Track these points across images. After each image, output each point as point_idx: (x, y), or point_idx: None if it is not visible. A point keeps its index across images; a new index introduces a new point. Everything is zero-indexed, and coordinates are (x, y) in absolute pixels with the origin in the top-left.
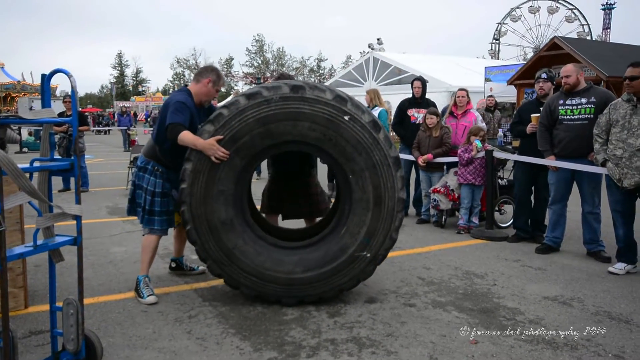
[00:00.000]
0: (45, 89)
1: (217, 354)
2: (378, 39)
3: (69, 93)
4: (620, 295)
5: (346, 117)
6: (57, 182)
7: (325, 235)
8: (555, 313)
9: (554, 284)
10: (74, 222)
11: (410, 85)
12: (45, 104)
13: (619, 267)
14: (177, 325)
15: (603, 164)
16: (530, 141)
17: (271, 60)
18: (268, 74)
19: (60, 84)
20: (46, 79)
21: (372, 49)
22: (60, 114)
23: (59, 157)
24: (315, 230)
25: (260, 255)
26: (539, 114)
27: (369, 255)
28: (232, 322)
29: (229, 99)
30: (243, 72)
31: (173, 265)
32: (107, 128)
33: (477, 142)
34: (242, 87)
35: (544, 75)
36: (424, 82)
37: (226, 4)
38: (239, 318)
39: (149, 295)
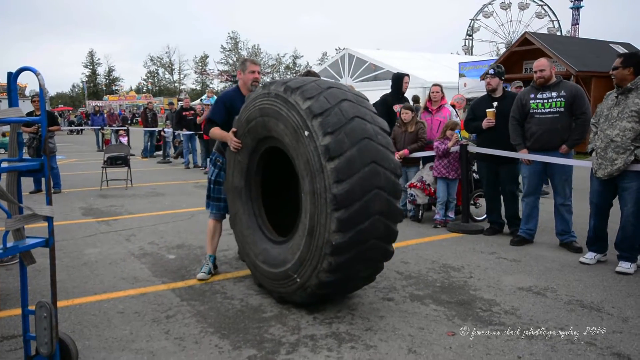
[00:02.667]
0: (12, 88)
1: (195, 354)
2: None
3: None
4: (592, 285)
5: (306, 133)
6: (29, 184)
7: (285, 240)
8: (529, 303)
9: (528, 274)
10: (46, 224)
11: (387, 81)
12: (12, 102)
13: (590, 256)
14: (155, 325)
15: (590, 153)
16: (488, 136)
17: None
18: None
19: (29, 83)
20: (12, 77)
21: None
22: (29, 114)
23: (29, 157)
24: None
25: (248, 229)
26: (494, 109)
27: (298, 280)
28: (211, 321)
29: (203, 97)
30: (218, 70)
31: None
32: (79, 128)
33: (457, 133)
34: (217, 85)
35: (491, 71)
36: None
37: (200, 1)
38: (218, 317)
39: (201, 272)
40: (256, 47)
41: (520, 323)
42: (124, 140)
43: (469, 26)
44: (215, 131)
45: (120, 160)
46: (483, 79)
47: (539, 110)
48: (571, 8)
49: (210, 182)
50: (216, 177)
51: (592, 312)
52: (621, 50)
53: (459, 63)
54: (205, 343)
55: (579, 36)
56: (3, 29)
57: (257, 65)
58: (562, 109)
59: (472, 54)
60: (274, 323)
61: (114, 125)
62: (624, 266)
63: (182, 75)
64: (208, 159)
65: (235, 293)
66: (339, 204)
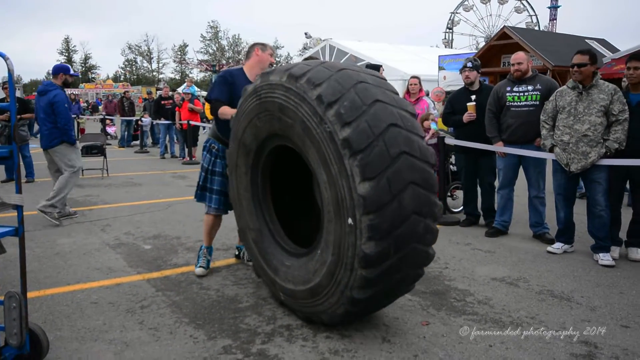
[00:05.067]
0: None
1: (170, 344)
2: (306, 33)
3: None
4: (563, 275)
5: (349, 221)
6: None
7: (285, 250)
8: (502, 293)
9: (502, 265)
10: (15, 212)
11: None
12: None
13: (557, 246)
14: (129, 316)
15: (551, 150)
16: (466, 129)
17: (227, 47)
18: (224, 61)
19: (0, 69)
20: None
21: (308, 37)
22: (1, 101)
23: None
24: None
25: (247, 192)
26: (474, 103)
27: (282, 299)
28: (186, 311)
29: (182, 86)
30: (198, 59)
31: (236, 253)
32: None
33: (433, 125)
34: (196, 74)
35: (469, 65)
36: None
37: None
38: (193, 307)
39: (199, 267)
40: (236, 37)
41: (492, 312)
42: (112, 130)
43: (450, 19)
44: (225, 109)
45: (96, 150)
46: (461, 73)
47: (515, 103)
48: (549, 7)
49: (206, 172)
50: (212, 166)
51: (562, 302)
52: (596, 45)
53: (439, 56)
54: (180, 333)
55: (557, 31)
56: None
57: (274, 52)
58: (538, 103)
59: (452, 47)
60: (250, 313)
61: (114, 115)
62: (606, 259)
63: (160, 64)
64: (190, 151)
65: (211, 283)
66: (372, 232)
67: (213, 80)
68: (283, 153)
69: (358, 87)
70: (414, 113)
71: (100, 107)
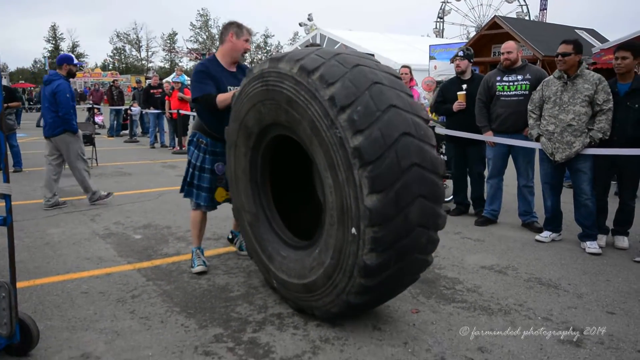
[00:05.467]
0: None
1: (161, 333)
2: (309, 15)
3: None
4: (550, 263)
5: (353, 230)
6: None
7: (280, 239)
8: (491, 281)
9: (491, 254)
10: (3, 202)
11: None
12: None
13: (545, 235)
14: (120, 305)
15: (537, 139)
16: (457, 118)
17: (216, 36)
18: (213, 50)
19: None
20: None
21: (310, 20)
22: None
23: None
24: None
25: (245, 175)
26: (464, 92)
27: (275, 286)
28: (177, 301)
29: (172, 75)
30: (187, 48)
31: (230, 236)
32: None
33: None
34: (186, 63)
35: (460, 53)
36: None
37: None
38: (184, 296)
39: (198, 265)
40: None
41: (481, 300)
42: (99, 119)
43: (441, 9)
44: (222, 96)
45: (85, 139)
46: (452, 62)
47: (505, 93)
48: None
49: (193, 168)
50: (201, 163)
51: (550, 289)
52: (585, 35)
53: (430, 45)
54: (171, 322)
55: (547, 21)
56: None
57: (251, 36)
58: (527, 92)
59: (442, 37)
60: (241, 302)
61: (100, 104)
62: (593, 247)
63: (149, 53)
64: (180, 140)
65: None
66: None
67: (193, 77)
68: (286, 140)
69: (373, 90)
70: (427, 118)
71: (87, 95)
